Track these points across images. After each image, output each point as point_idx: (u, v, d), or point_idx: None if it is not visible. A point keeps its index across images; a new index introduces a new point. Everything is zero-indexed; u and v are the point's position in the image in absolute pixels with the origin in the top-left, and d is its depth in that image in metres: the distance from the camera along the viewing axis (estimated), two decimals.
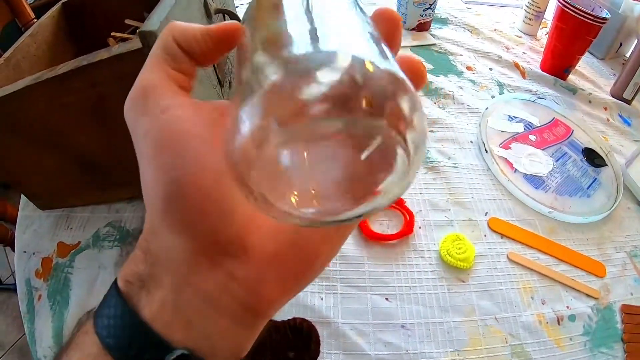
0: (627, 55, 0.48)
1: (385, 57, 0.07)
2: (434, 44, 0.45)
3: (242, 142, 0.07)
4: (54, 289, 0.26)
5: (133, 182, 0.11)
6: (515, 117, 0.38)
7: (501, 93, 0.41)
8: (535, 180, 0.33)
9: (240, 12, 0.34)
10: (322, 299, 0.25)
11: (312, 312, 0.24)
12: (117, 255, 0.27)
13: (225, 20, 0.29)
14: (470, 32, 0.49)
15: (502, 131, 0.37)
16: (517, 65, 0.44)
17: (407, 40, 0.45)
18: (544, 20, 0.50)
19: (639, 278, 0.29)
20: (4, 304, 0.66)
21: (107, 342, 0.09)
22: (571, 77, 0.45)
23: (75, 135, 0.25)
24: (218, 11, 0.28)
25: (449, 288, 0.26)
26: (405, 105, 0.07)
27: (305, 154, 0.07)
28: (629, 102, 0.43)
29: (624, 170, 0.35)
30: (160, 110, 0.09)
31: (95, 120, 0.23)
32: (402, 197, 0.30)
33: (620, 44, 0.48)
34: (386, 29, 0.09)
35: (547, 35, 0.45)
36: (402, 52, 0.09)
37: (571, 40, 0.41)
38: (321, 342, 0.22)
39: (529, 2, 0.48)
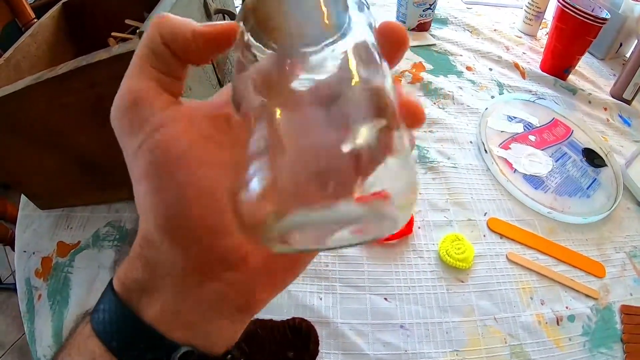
0: (627, 55, 0.48)
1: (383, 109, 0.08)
2: (434, 44, 0.45)
3: (251, 207, 0.07)
4: (53, 288, 0.26)
5: None
6: (515, 118, 0.38)
7: (501, 93, 0.41)
8: (534, 181, 0.33)
9: None
10: (321, 298, 0.25)
11: (311, 312, 0.24)
12: (115, 255, 0.27)
13: (225, 20, 0.29)
14: (470, 32, 0.49)
15: (501, 131, 0.37)
16: (517, 66, 0.44)
17: None
18: (543, 20, 0.50)
19: (638, 278, 0.29)
20: (4, 303, 0.66)
21: (110, 344, 0.09)
22: (571, 78, 0.45)
23: (75, 135, 0.25)
24: (218, 11, 0.28)
25: (448, 288, 0.26)
26: (391, 175, 0.07)
27: (310, 225, 0.07)
28: (628, 102, 0.43)
29: (624, 170, 0.35)
30: (152, 128, 0.09)
31: (94, 120, 0.23)
32: None
33: (620, 44, 0.48)
34: (391, 49, 0.09)
35: (547, 36, 0.45)
36: (403, 84, 0.09)
37: (571, 40, 0.41)
38: (320, 342, 0.22)
39: (528, 3, 0.48)
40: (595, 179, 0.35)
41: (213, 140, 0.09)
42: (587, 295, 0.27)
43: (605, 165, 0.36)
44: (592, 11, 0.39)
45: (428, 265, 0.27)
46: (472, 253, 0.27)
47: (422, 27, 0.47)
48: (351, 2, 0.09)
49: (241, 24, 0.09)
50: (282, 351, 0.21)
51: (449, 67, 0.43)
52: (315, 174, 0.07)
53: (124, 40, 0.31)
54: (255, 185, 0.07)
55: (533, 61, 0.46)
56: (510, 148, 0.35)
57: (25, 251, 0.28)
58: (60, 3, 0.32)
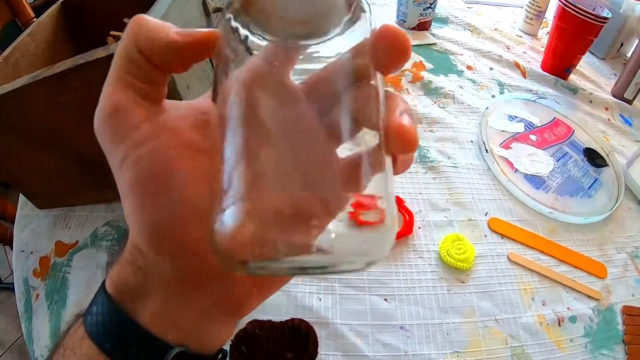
0: (628, 55, 0.48)
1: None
2: (434, 44, 0.45)
3: (223, 241, 0.07)
4: (51, 288, 0.26)
5: None
6: (516, 117, 0.38)
7: (502, 93, 0.41)
8: (535, 181, 0.33)
9: None
10: (320, 299, 0.25)
11: (311, 312, 0.24)
12: (108, 257, 0.27)
13: None
14: (471, 31, 0.48)
15: (502, 131, 0.36)
16: (517, 65, 0.44)
17: None
18: (544, 19, 0.49)
19: None
20: (4, 303, 0.66)
21: (104, 346, 0.09)
22: (572, 77, 0.44)
23: (73, 134, 0.25)
24: (216, 10, 0.27)
25: (449, 289, 0.26)
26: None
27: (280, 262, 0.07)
28: (630, 102, 0.43)
29: (625, 170, 0.35)
30: (133, 144, 0.08)
31: (93, 119, 0.23)
32: (402, 196, 0.30)
33: (622, 44, 0.48)
34: (389, 59, 0.08)
35: (547, 35, 0.45)
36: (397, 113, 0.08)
37: (572, 39, 0.41)
38: (319, 343, 0.22)
39: (529, 2, 0.48)
40: (597, 178, 0.34)
41: (197, 149, 0.09)
42: (588, 296, 0.27)
43: (607, 165, 0.36)
44: (593, 10, 0.39)
45: (428, 266, 0.27)
46: (472, 253, 0.27)
47: (423, 26, 0.47)
48: None
49: (229, 12, 0.08)
50: (281, 352, 0.21)
51: (449, 66, 0.43)
52: (284, 223, 0.07)
53: None
54: (226, 223, 0.07)
55: (534, 60, 0.45)
56: (511, 148, 0.35)
57: (23, 251, 0.28)
58: (59, 2, 0.32)
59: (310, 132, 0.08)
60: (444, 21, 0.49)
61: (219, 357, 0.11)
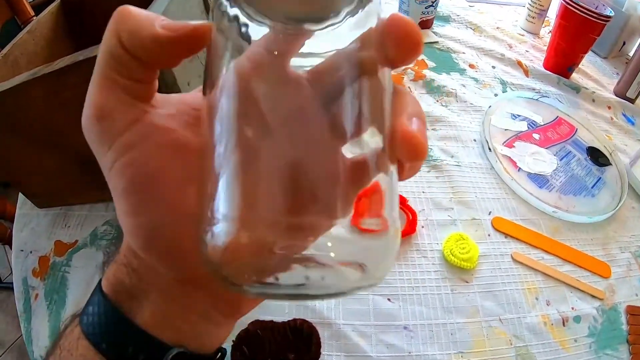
0: (631, 54, 0.48)
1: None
2: (436, 42, 0.45)
3: (213, 255, 0.07)
4: (51, 288, 0.26)
5: None
6: (519, 116, 0.38)
7: (504, 91, 0.41)
8: (539, 179, 0.33)
9: None
10: (323, 299, 0.24)
11: (313, 312, 0.24)
12: (103, 257, 0.27)
13: None
14: (473, 30, 0.48)
15: (505, 129, 0.36)
16: (520, 64, 0.44)
17: None
18: (546, 18, 0.49)
19: None
20: (4, 302, 0.66)
21: (100, 346, 0.09)
22: (574, 76, 0.44)
23: (73, 132, 0.24)
24: None
25: (453, 288, 0.26)
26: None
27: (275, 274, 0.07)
28: (632, 101, 0.43)
29: (629, 169, 0.35)
30: (122, 148, 0.08)
31: None
32: (405, 195, 0.30)
33: (624, 43, 0.48)
34: (399, 53, 0.07)
35: (549, 34, 0.45)
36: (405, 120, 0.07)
37: (575, 38, 0.41)
38: (322, 344, 0.22)
39: (531, 0, 0.48)
40: (600, 177, 0.34)
41: (189, 150, 0.08)
42: (592, 296, 0.27)
43: (610, 164, 0.35)
44: (596, 9, 0.39)
45: (432, 265, 0.27)
46: (476, 253, 0.27)
47: (425, 25, 0.46)
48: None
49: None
50: (283, 353, 0.21)
51: (451, 65, 0.42)
52: (280, 236, 0.06)
53: None
54: (216, 239, 0.07)
55: (536, 59, 0.45)
56: (514, 146, 0.35)
57: (22, 250, 0.28)
58: (58, 0, 0.31)
59: (314, 129, 0.07)
60: (446, 19, 0.49)
61: (218, 355, 0.11)
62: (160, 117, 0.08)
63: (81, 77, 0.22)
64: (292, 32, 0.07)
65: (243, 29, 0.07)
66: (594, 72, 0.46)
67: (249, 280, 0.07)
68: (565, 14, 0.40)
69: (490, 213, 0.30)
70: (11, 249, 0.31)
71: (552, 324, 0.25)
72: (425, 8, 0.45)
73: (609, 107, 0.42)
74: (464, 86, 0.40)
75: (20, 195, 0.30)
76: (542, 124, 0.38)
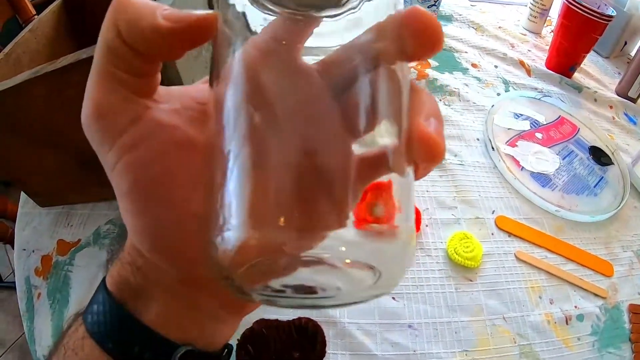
0: (632, 53, 0.48)
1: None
2: None
3: (222, 259, 0.06)
4: (53, 287, 0.26)
5: None
6: (522, 115, 0.38)
7: (507, 90, 0.41)
8: (542, 179, 0.33)
9: None
10: (331, 308, 0.24)
11: (318, 311, 0.24)
12: (107, 254, 0.27)
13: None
14: (475, 29, 0.48)
15: (508, 129, 0.36)
16: (522, 63, 0.44)
17: None
18: (548, 18, 0.49)
19: None
20: (5, 301, 0.66)
21: (106, 346, 0.08)
22: (576, 75, 0.44)
23: (75, 131, 0.24)
24: None
25: (457, 287, 0.26)
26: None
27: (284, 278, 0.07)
28: (634, 100, 0.43)
29: (631, 169, 0.35)
30: (124, 147, 0.08)
31: None
32: None
33: (625, 43, 0.48)
34: (418, 47, 0.07)
35: (551, 33, 0.45)
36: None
37: (577, 37, 0.41)
38: (327, 342, 0.22)
39: (533, 0, 0.48)
40: (602, 177, 0.34)
41: (193, 147, 0.08)
42: (595, 295, 0.27)
43: (612, 163, 0.36)
44: (598, 8, 0.39)
45: (436, 264, 0.27)
46: (480, 251, 0.27)
47: None
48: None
49: None
50: (288, 351, 0.21)
51: (454, 64, 0.42)
52: (281, 248, 0.06)
53: None
54: (226, 242, 0.06)
55: (538, 59, 0.45)
56: (517, 145, 0.35)
57: (24, 249, 0.28)
58: None
59: (327, 123, 0.07)
60: (448, 19, 0.49)
61: (225, 352, 0.10)
62: (163, 113, 0.08)
63: (84, 75, 0.22)
64: (302, 20, 0.07)
65: (246, 16, 0.07)
66: (596, 71, 0.46)
67: (257, 283, 0.07)
68: (568, 14, 0.40)
69: (493, 212, 0.30)
70: (12, 248, 0.31)
71: (555, 323, 0.25)
72: (428, 7, 0.45)
73: (611, 107, 0.42)
74: (466, 85, 0.40)
75: (22, 194, 0.30)
76: (545, 123, 0.38)
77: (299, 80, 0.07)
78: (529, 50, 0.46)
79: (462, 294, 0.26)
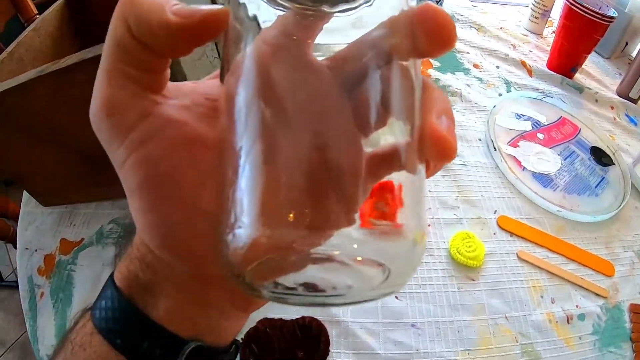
0: (633, 54, 0.48)
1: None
2: None
3: (233, 257, 0.06)
4: (56, 286, 0.26)
5: None
6: (523, 115, 0.38)
7: (508, 91, 0.41)
8: (543, 179, 0.33)
9: None
10: (340, 306, 0.24)
11: (322, 310, 0.24)
12: (115, 249, 0.27)
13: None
14: (477, 30, 0.48)
15: (510, 129, 0.36)
16: (523, 64, 0.44)
17: None
18: (549, 18, 0.49)
19: None
20: (6, 300, 0.66)
21: (115, 342, 0.08)
22: (577, 76, 0.44)
23: (79, 130, 0.24)
24: None
25: (459, 286, 0.26)
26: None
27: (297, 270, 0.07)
28: (635, 101, 0.43)
29: (632, 169, 0.35)
30: (134, 144, 0.08)
31: None
32: None
33: (626, 44, 0.48)
34: (430, 45, 0.07)
35: (553, 34, 0.45)
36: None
37: (578, 38, 0.41)
38: (330, 342, 0.22)
39: (535, 1, 0.48)
40: (604, 177, 0.34)
41: (204, 144, 0.08)
42: (596, 294, 0.27)
43: (613, 164, 0.36)
44: (599, 9, 0.39)
45: (439, 264, 0.27)
46: (482, 251, 0.27)
47: None
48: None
49: None
50: (292, 351, 0.21)
51: (456, 65, 0.42)
52: (291, 244, 0.06)
53: None
54: (238, 239, 0.06)
55: (539, 59, 0.46)
56: (518, 146, 0.35)
57: (27, 248, 0.28)
58: None
59: (338, 120, 0.07)
60: None
61: (233, 347, 0.11)
62: (172, 108, 0.08)
63: (89, 75, 0.22)
64: (312, 15, 0.07)
65: (261, 14, 0.07)
66: (597, 72, 0.46)
67: (267, 280, 0.07)
68: (569, 15, 0.40)
69: (495, 212, 0.30)
70: (14, 247, 0.31)
71: (556, 322, 0.25)
72: None
73: (612, 108, 0.42)
74: (468, 86, 0.40)
75: (25, 193, 0.30)
76: (546, 123, 0.38)
77: (309, 76, 0.07)
78: (531, 51, 0.47)
79: (464, 293, 0.26)
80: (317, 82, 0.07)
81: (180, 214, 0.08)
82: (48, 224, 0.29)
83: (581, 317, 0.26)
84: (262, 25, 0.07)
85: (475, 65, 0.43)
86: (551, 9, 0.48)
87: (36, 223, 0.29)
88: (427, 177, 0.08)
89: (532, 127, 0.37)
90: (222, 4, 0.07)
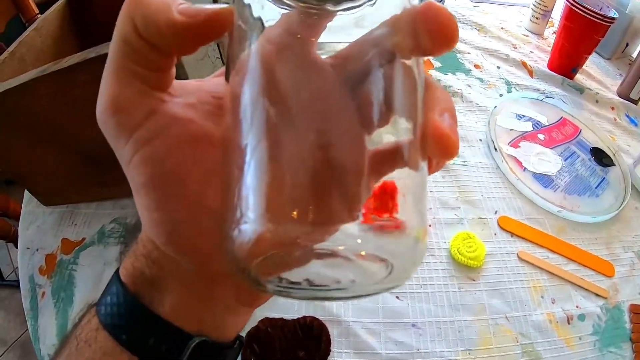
0: (634, 55, 0.48)
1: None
2: None
3: (239, 252, 0.07)
4: (58, 285, 0.26)
5: None
6: (524, 116, 0.38)
7: (509, 91, 0.41)
8: (544, 179, 0.33)
9: None
10: (343, 300, 0.24)
11: (323, 310, 0.24)
12: (120, 247, 0.27)
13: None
14: (478, 30, 0.48)
15: (510, 130, 0.36)
16: (524, 64, 0.44)
17: None
18: (550, 19, 0.49)
19: None
20: (7, 300, 0.66)
21: (120, 337, 0.08)
22: (578, 77, 0.45)
23: (80, 130, 0.24)
24: None
25: (460, 287, 0.26)
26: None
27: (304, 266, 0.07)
28: (635, 102, 0.43)
29: (632, 170, 0.35)
30: (141, 141, 0.08)
31: None
32: None
33: (627, 44, 0.48)
34: (433, 45, 0.07)
35: (553, 35, 0.45)
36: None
37: (579, 39, 0.41)
38: (332, 341, 0.22)
39: (535, 1, 0.48)
40: (604, 178, 0.34)
41: (210, 141, 0.08)
42: (597, 295, 0.27)
43: (614, 164, 0.36)
44: (600, 10, 0.39)
45: (440, 264, 0.27)
46: (483, 251, 0.27)
47: None
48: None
49: None
50: (293, 350, 0.21)
51: (456, 65, 0.42)
52: (296, 240, 0.06)
53: None
54: (243, 235, 0.06)
55: (540, 60, 0.46)
56: (519, 146, 0.35)
57: (28, 248, 0.28)
58: None
59: (342, 117, 0.07)
60: None
61: (237, 343, 0.11)
62: (178, 106, 0.08)
63: (90, 75, 0.22)
64: (316, 13, 0.07)
65: (265, 12, 0.07)
66: (598, 73, 0.46)
67: (272, 275, 0.07)
68: (570, 16, 0.40)
69: (496, 212, 0.30)
70: (16, 246, 0.31)
71: (557, 322, 0.25)
72: None
73: (613, 108, 0.42)
74: (469, 86, 0.40)
75: (26, 193, 0.30)
76: (547, 124, 0.38)
77: (313, 74, 0.07)
78: (531, 52, 0.47)
79: (465, 293, 0.26)
80: (321, 80, 0.07)
81: (186, 211, 0.08)
82: (49, 224, 0.29)
83: (581, 317, 0.26)
84: (266, 24, 0.07)
85: (476, 66, 0.43)
86: (552, 9, 0.48)
87: (37, 222, 0.29)
88: (430, 173, 0.08)
89: (533, 127, 0.37)
90: (227, 3, 0.08)
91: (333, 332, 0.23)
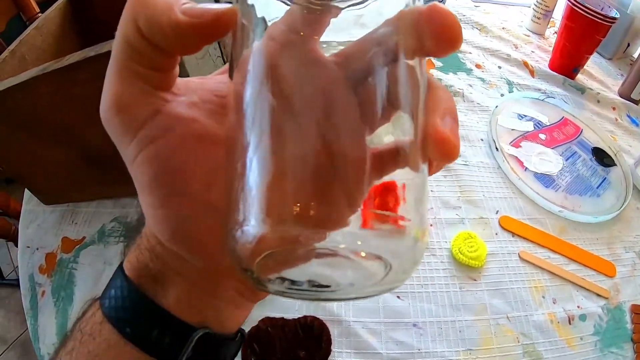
0: (635, 55, 0.48)
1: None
2: None
3: (242, 251, 0.07)
4: (58, 284, 0.26)
5: None
6: (525, 116, 0.38)
7: (510, 91, 0.41)
8: (545, 179, 0.33)
9: None
10: (343, 300, 0.24)
11: (323, 310, 0.24)
12: (121, 251, 0.27)
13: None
14: (479, 30, 0.48)
15: (512, 129, 0.36)
16: (525, 64, 0.44)
17: None
18: (552, 19, 0.49)
19: None
20: (6, 299, 0.66)
21: (124, 330, 0.09)
22: (579, 77, 0.44)
23: (81, 128, 0.24)
24: None
25: (461, 286, 0.26)
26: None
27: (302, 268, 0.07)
28: (636, 102, 0.43)
29: (633, 170, 0.35)
30: (145, 140, 0.08)
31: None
32: None
33: (628, 44, 0.48)
34: (439, 45, 0.07)
35: (555, 35, 0.45)
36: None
37: (580, 39, 0.41)
38: (332, 341, 0.22)
39: (537, 1, 0.48)
40: (605, 178, 0.34)
41: (213, 140, 0.08)
42: (598, 295, 0.27)
43: (615, 164, 0.36)
44: (602, 10, 0.39)
45: (441, 263, 0.27)
46: (484, 251, 0.27)
47: None
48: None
49: None
50: (294, 350, 0.21)
51: (458, 65, 0.42)
52: (297, 239, 0.06)
53: None
54: (246, 235, 0.06)
55: (542, 60, 0.46)
56: (520, 146, 0.35)
57: (28, 247, 0.28)
58: None
59: (345, 115, 0.07)
60: None
61: (239, 335, 0.11)
62: (181, 106, 0.08)
63: (91, 73, 0.22)
64: (319, 10, 0.07)
65: (268, 10, 0.07)
66: (599, 73, 0.46)
67: (273, 273, 0.07)
68: (571, 16, 0.40)
69: (497, 212, 0.30)
70: (15, 245, 0.31)
71: (558, 322, 0.25)
72: None
73: (614, 108, 0.42)
74: (470, 86, 0.40)
75: (26, 192, 0.30)
76: (548, 124, 0.38)
77: (316, 71, 0.07)
78: (533, 52, 0.47)
79: (466, 293, 0.26)
80: (324, 77, 0.07)
81: (190, 208, 0.08)
82: (50, 223, 0.29)
83: (582, 317, 0.26)
84: (269, 22, 0.07)
85: (478, 66, 0.43)
86: (553, 9, 0.48)
87: (38, 221, 0.29)
88: (430, 174, 0.08)
89: (534, 127, 0.37)
90: (230, 2, 0.07)
91: (334, 331, 0.23)
